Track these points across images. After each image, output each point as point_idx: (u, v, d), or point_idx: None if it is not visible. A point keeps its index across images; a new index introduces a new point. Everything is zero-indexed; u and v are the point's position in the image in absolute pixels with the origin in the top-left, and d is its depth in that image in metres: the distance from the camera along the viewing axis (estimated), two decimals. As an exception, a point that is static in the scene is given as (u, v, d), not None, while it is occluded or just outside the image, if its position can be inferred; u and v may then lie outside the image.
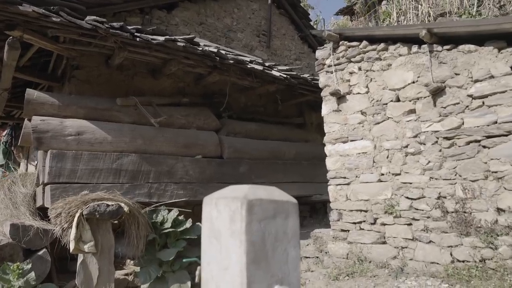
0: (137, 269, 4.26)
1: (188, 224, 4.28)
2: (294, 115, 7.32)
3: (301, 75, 5.82)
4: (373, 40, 4.09)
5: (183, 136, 4.86)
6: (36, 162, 7.04)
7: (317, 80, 6.11)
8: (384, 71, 3.90)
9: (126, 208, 3.64)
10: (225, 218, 1.24)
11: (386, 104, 3.84)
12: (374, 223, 3.79)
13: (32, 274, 3.38)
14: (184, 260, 3.63)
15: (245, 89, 6.24)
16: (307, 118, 7.57)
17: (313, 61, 8.62)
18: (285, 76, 5.28)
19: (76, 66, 4.86)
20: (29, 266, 3.44)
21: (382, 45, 3.93)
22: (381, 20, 13.32)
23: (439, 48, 3.50)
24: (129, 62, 5.14)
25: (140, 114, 4.68)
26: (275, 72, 5.21)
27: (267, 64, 5.39)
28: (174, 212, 4.27)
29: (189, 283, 4.14)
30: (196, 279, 3.66)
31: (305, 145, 6.68)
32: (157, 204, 4.24)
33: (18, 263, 3.36)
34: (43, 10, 3.73)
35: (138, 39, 4.06)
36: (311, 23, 8.96)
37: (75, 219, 3.45)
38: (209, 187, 4.95)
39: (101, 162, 4.09)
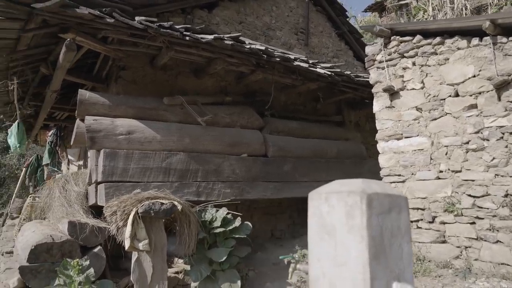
0: (187, 267, 4.27)
1: (237, 222, 4.25)
2: (332, 113, 7.21)
3: (344, 72, 5.70)
4: (426, 34, 3.95)
5: (229, 134, 4.85)
6: (67, 160, 7.24)
7: (359, 77, 6.00)
8: (441, 65, 3.75)
9: (179, 207, 3.64)
10: (340, 213, 1.18)
11: (444, 99, 3.69)
12: (432, 222, 3.65)
13: (91, 270, 3.43)
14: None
15: (285, 88, 6.18)
16: (346, 117, 7.44)
17: (351, 59, 8.49)
18: (329, 73, 5.18)
19: (123, 66, 4.93)
20: (87, 262, 3.49)
21: (438, 39, 3.78)
22: (413, 15, 12.99)
23: (504, 39, 3.33)
24: (173, 62, 5.18)
25: (186, 113, 4.70)
26: (319, 70, 5.12)
27: (311, 61, 5.31)
28: (223, 211, 4.25)
29: (239, 282, 4.11)
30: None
31: (346, 143, 6.56)
32: (205, 203, 4.23)
33: (77, 259, 3.41)
34: (98, 12, 3.79)
35: (187, 38, 4.06)
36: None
37: (130, 217, 3.48)
38: (255, 186, 4.92)
39: (151, 161, 4.11)
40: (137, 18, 4.09)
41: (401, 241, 1.26)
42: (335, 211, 1.23)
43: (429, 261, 3.56)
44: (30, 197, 5.72)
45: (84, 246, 3.78)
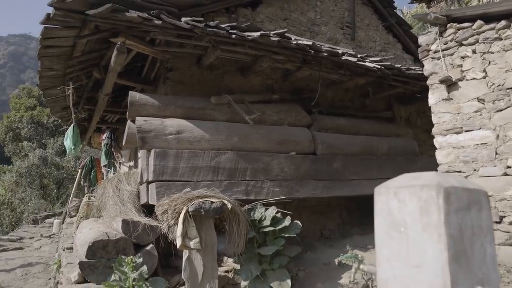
0: (237, 266, 4.26)
1: (287, 222, 4.17)
2: (382, 109, 6.94)
3: (395, 65, 5.45)
4: (488, 19, 3.66)
5: (277, 132, 4.78)
6: (122, 161, 7.48)
7: (410, 70, 5.72)
8: (507, 51, 3.46)
9: (229, 206, 3.63)
10: (413, 208, 1.07)
11: (511, 88, 3.40)
12: (500, 222, 3.38)
13: (145, 267, 3.50)
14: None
15: (332, 84, 6.02)
16: (396, 112, 7.14)
17: (399, 52, 8.14)
18: (378, 67, 4.97)
19: (170, 68, 5.02)
20: (141, 259, 3.56)
21: (503, 22, 3.49)
22: (465, 3, 12.25)
23: None
24: (219, 61, 5.20)
25: (233, 112, 4.69)
26: (368, 64, 4.93)
27: (359, 55, 5.12)
28: (272, 210, 4.19)
29: (289, 281, 4.04)
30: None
31: (397, 139, 6.28)
32: (254, 202, 4.19)
33: (131, 256, 3.49)
34: (146, 15, 3.87)
35: (233, 35, 4.04)
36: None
37: (181, 216, 3.51)
38: (304, 184, 4.82)
39: (200, 160, 4.14)
40: (183, 19, 4.13)
41: (483, 241, 1.13)
42: (407, 206, 1.12)
43: (498, 265, 3.29)
44: (86, 196, 5.97)
45: (137, 243, 3.88)
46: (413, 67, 5.85)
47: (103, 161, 7.00)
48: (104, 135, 7.24)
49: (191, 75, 5.09)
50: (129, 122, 4.33)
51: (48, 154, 19.26)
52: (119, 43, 4.01)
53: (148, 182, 4.11)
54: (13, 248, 8.82)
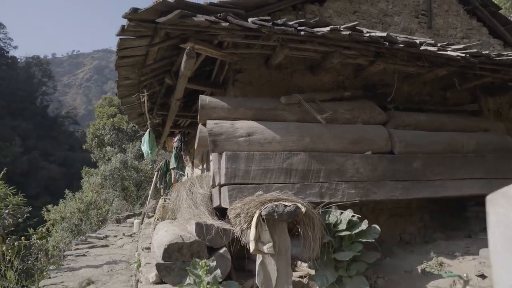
0: (312, 272, 4.10)
1: (364, 225, 3.92)
2: (465, 101, 6.31)
3: (482, 52, 4.90)
4: None
5: (351, 131, 4.54)
6: (191, 163, 7.64)
7: (501, 56, 5.10)
8: None
9: (303, 209, 3.48)
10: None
11: None
12: None
13: (218, 271, 3.48)
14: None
15: (408, 77, 5.60)
16: (483, 104, 6.46)
17: (485, 37, 7.36)
18: (462, 55, 4.50)
19: (239, 69, 5.00)
20: (214, 263, 3.54)
21: None
22: None
23: None
24: (287, 60, 5.08)
25: (304, 112, 4.53)
26: (450, 52, 4.48)
27: (439, 44, 4.68)
28: (349, 213, 3.97)
29: (367, 290, 3.80)
30: None
31: (485, 135, 5.66)
32: (328, 205, 4.00)
33: (204, 260, 3.49)
34: (213, 18, 3.87)
35: (302, 32, 3.89)
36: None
37: (254, 219, 3.43)
38: (381, 186, 4.51)
39: (272, 162, 4.04)
40: (249, 19, 4.08)
41: None
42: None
43: None
44: (161, 198, 6.19)
45: (210, 247, 3.88)
46: (505, 53, 5.23)
47: (172, 163, 7.24)
48: (176, 139, 7.48)
49: (260, 75, 5.03)
50: (200, 125, 4.37)
51: (128, 158, 20.58)
52: (188, 48, 4.07)
53: (220, 185, 4.11)
54: (100, 246, 9.44)
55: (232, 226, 3.90)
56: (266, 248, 3.44)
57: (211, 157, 7.01)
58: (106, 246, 9.47)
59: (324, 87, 5.19)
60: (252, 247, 3.44)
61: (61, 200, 18.13)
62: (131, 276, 6.54)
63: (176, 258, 3.70)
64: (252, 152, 4.01)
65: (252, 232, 3.43)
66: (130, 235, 10.83)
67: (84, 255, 8.15)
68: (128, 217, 14.69)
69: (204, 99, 4.26)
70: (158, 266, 3.65)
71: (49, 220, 16.29)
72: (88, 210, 15.94)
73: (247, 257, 4.14)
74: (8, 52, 76.52)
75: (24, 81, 72.24)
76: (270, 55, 4.86)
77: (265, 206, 3.42)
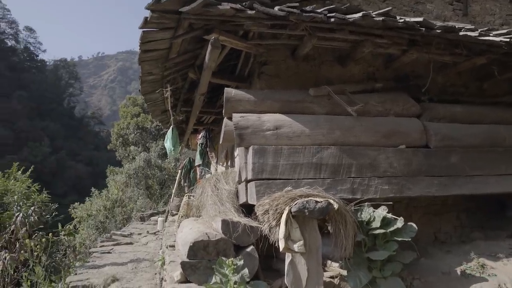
0: (343, 272, 3.89)
1: (400, 223, 3.68)
2: (505, 92, 5.92)
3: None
4: None
5: (383, 124, 4.30)
6: (216, 160, 7.48)
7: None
8: None
9: (335, 205, 3.28)
10: None
11: None
12: None
13: (246, 270, 3.32)
14: None
15: (443, 67, 5.30)
16: (523, 95, 6.05)
17: (526, 24, 6.92)
18: (507, 40, 4.17)
19: (264, 62, 4.83)
20: (241, 262, 3.38)
21: None
22: None
23: None
24: (315, 51, 4.88)
25: (333, 104, 4.32)
26: (493, 38, 4.17)
27: (479, 29, 4.37)
28: (383, 210, 3.74)
29: (403, 292, 3.56)
30: None
31: (529, 128, 5.28)
32: (361, 201, 3.77)
33: (231, 258, 3.34)
34: (239, 6, 3.71)
35: (332, 19, 3.68)
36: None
37: (283, 216, 3.25)
38: (416, 181, 4.25)
39: (301, 157, 3.85)
40: (276, 7, 3.90)
41: None
42: None
43: None
44: (186, 195, 6.09)
45: (237, 245, 3.73)
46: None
47: (198, 160, 7.10)
48: (200, 135, 7.35)
49: (286, 67, 4.84)
50: (225, 119, 4.22)
51: (151, 157, 20.76)
52: (213, 37, 3.91)
53: (247, 181, 3.95)
54: (125, 243, 9.47)
55: (260, 224, 3.74)
56: (296, 246, 3.26)
57: (235, 153, 6.86)
58: (131, 243, 9.49)
59: (353, 79, 4.96)
60: (281, 245, 3.26)
61: (87, 198, 18.43)
62: (155, 274, 6.49)
63: (202, 256, 3.56)
64: (280, 146, 3.82)
65: (282, 229, 3.25)
66: (154, 233, 10.85)
67: (109, 252, 8.17)
68: (152, 215, 14.77)
69: (230, 91, 4.11)
70: (183, 264, 3.52)
71: (76, 218, 16.59)
72: (113, 208, 16.13)
73: (274, 256, 3.97)
74: (37, 56, 79.10)
75: (52, 83, 74.46)
76: (297, 46, 4.67)
77: (295, 202, 3.24)
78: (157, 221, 11.99)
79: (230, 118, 4.15)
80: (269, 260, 4.15)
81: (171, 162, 21.23)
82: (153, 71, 5.50)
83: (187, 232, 4.04)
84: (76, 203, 18.24)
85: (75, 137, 68.50)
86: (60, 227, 11.26)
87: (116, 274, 6.16)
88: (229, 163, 7.42)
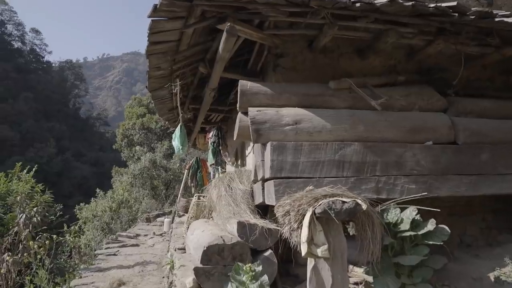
0: (368, 277, 3.61)
1: (431, 226, 3.39)
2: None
3: None
4: None
5: (408, 119, 4.01)
6: (228, 158, 7.20)
7: None
8: None
9: (363, 206, 2.99)
10: None
11: None
12: None
13: (265, 277, 3.03)
14: None
15: (467, 60, 4.97)
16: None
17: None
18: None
19: (280, 54, 4.55)
20: (260, 268, 3.10)
21: None
22: None
23: None
24: (333, 43, 4.61)
25: (355, 98, 4.04)
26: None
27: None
28: (412, 211, 3.45)
29: (437, 301, 3.27)
30: None
31: None
32: (387, 202, 3.48)
33: (249, 264, 3.06)
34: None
35: (358, 4, 3.40)
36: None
37: (307, 218, 2.97)
38: (445, 180, 3.95)
39: (323, 154, 3.56)
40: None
41: None
42: None
43: None
44: (195, 196, 5.82)
45: (254, 249, 3.45)
46: None
47: (210, 159, 6.79)
48: (211, 133, 7.05)
49: (303, 60, 4.56)
50: (239, 114, 3.94)
51: (157, 157, 20.56)
52: (229, 25, 3.64)
53: (264, 180, 3.66)
54: (131, 245, 9.28)
55: (278, 226, 3.46)
56: (320, 251, 2.97)
57: (247, 152, 6.59)
58: (137, 245, 9.28)
59: (374, 72, 4.68)
60: (304, 250, 2.97)
61: (92, 199, 18.24)
62: (163, 277, 6.26)
63: (216, 261, 3.28)
64: (300, 142, 3.54)
65: (304, 232, 2.96)
66: (161, 234, 10.62)
67: (114, 255, 7.95)
68: (158, 216, 14.53)
69: (245, 84, 3.83)
70: (196, 270, 3.24)
71: (81, 219, 16.40)
72: (118, 208, 15.92)
73: (293, 260, 3.68)
74: (43, 57, 79.47)
75: (58, 84, 74.73)
76: (315, 37, 4.40)
77: (320, 203, 2.95)
78: (163, 222, 11.75)
79: (245, 113, 3.87)
80: (287, 264, 3.86)
81: (176, 163, 21.03)
82: (161, 66, 5.24)
83: (199, 235, 3.77)
84: (81, 204, 18.04)
85: (81, 138, 68.69)
86: (66, 228, 11.07)
87: (122, 278, 5.95)
88: (239, 162, 7.13)
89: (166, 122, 10.23)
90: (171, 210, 14.76)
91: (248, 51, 5.64)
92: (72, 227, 11.44)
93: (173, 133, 7.29)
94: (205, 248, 3.19)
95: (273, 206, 3.85)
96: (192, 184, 11.09)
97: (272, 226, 3.47)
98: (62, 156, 56.34)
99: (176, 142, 6.85)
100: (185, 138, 6.89)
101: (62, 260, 8.69)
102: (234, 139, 4.02)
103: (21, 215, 6.53)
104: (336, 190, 3.23)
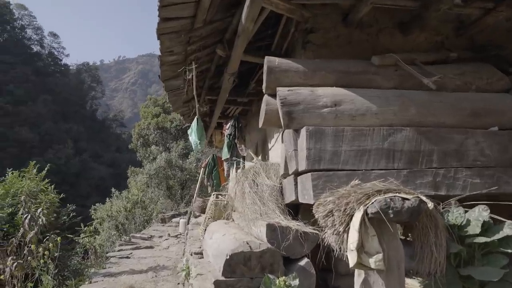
0: (426, 292, 2.95)
1: (508, 229, 2.71)
2: None
3: None
4: None
5: (468, 100, 3.33)
6: (247, 152, 6.59)
7: None
8: None
9: (429, 204, 2.35)
10: None
11: None
12: None
13: (303, 294, 2.43)
14: None
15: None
16: None
17: None
18: None
19: (310, 29, 3.93)
20: (297, 282, 2.51)
21: None
22: None
23: None
24: (370, 17, 3.97)
25: (402, 76, 3.39)
26: None
27: None
28: (481, 211, 2.78)
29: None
30: None
31: None
32: (454, 198, 2.82)
33: (283, 277, 2.46)
34: None
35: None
36: None
37: (357, 219, 2.34)
38: (515, 174, 3.26)
39: (369, 141, 2.93)
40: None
41: None
42: None
43: None
44: (213, 194, 5.24)
45: (287, 257, 2.84)
46: None
47: (225, 154, 6.17)
48: (228, 125, 6.43)
49: (337, 36, 3.93)
50: (266, 97, 3.33)
51: (172, 157, 20.18)
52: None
53: (297, 174, 3.04)
54: (145, 247, 8.88)
55: (315, 228, 2.85)
56: (373, 261, 2.34)
57: (269, 145, 5.98)
58: (151, 247, 8.82)
59: (419, 49, 4.01)
60: (352, 259, 2.35)
61: (107, 199, 17.93)
62: (178, 284, 5.75)
63: (242, 273, 2.67)
64: (341, 128, 2.91)
65: (353, 237, 2.34)
66: (176, 236, 10.15)
67: (127, 257, 7.49)
68: (174, 216, 14.08)
69: (272, 60, 3.22)
70: (217, 284, 2.64)
71: (97, 219, 16.08)
72: (133, 209, 15.53)
73: (333, 270, 3.06)
74: (61, 60, 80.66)
75: (75, 87, 75.72)
76: (350, 10, 3.78)
77: (373, 200, 2.32)
78: (178, 223, 11.28)
79: (272, 95, 3.27)
80: (324, 274, 3.23)
81: (192, 163, 20.63)
82: (174, 49, 4.68)
83: (220, 239, 3.18)
84: (96, 204, 17.73)
85: (98, 139, 69.28)
86: (82, 227, 10.71)
87: (134, 284, 5.47)
88: (259, 158, 6.51)
89: (181, 118, 9.71)
90: (187, 211, 14.27)
91: (271, 35, 5.04)
92: (86, 228, 11.08)
93: (189, 128, 6.72)
94: (228, 257, 2.59)
95: (306, 205, 3.24)
96: (208, 183, 10.54)
97: (308, 229, 2.85)
98: (79, 157, 56.87)
99: (193, 137, 6.27)
100: (202, 131, 6.31)
101: (76, 261, 8.27)
102: (260, 126, 3.41)
103: (26, 215, 6.07)
104: (389, 185, 2.60)
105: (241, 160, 5.93)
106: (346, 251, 2.44)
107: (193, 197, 12.80)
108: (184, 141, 23.76)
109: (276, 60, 3.22)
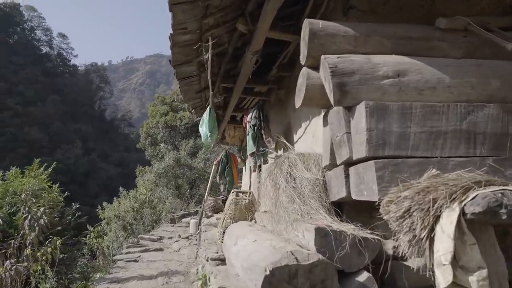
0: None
1: None
2: None
3: None
4: None
5: None
6: (274, 144, 5.93)
7: None
8: None
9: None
10: None
11: None
12: None
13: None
14: None
15: None
16: None
17: None
18: None
19: (353, -7, 3.29)
20: (359, 306, 1.86)
21: None
22: None
23: None
24: (425, -22, 3.31)
25: (472, 44, 2.73)
26: None
27: None
28: None
29: None
30: None
31: None
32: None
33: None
34: None
35: None
36: None
37: (449, 221, 1.70)
38: None
39: (443, 120, 2.26)
40: None
41: None
42: None
43: None
44: (232, 192, 4.60)
45: (342, 270, 2.19)
46: None
47: (250, 147, 5.49)
48: (249, 116, 5.77)
49: (385, 0, 3.28)
50: (305, 70, 2.68)
51: (181, 156, 19.70)
52: None
53: (350, 163, 2.38)
54: (154, 249, 8.33)
55: (374, 233, 2.20)
56: (475, 280, 1.68)
57: (295, 137, 5.33)
58: (161, 250, 8.24)
59: (482, 15, 3.34)
60: (445, 278, 1.70)
61: (115, 198, 17.43)
62: (192, 292, 5.16)
63: (285, 291, 2.04)
64: (409, 103, 2.25)
65: (446, 247, 1.69)
66: (187, 237, 9.56)
67: (135, 261, 6.92)
68: (183, 216, 13.49)
69: (316, 23, 2.57)
70: (255, 307, 2.01)
71: (104, 219, 15.59)
72: (141, 208, 15.00)
73: (394, 284, 2.41)
74: (70, 61, 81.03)
75: (84, 87, 75.98)
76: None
77: (474, 195, 1.68)
78: (189, 223, 10.67)
79: (313, 68, 2.63)
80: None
81: (200, 162, 20.12)
82: (188, 25, 4.07)
83: (250, 246, 2.54)
84: (104, 203, 17.22)
85: (106, 139, 69.33)
86: (88, 228, 10.21)
87: (143, 292, 4.89)
88: (281, 152, 5.85)
89: (190, 115, 9.07)
90: (197, 210, 13.68)
91: (301, 10, 4.39)
92: (93, 228, 10.58)
93: (200, 120, 6.08)
94: (268, 273, 1.94)
95: (353, 204, 2.60)
96: (221, 181, 9.93)
97: (366, 234, 2.20)
98: (88, 157, 56.82)
99: (203, 128, 5.63)
100: (214, 123, 5.66)
101: (81, 263, 7.76)
102: (297, 106, 2.76)
103: (27, 216, 5.52)
104: (478, 176, 1.94)
105: (269, 151, 5.25)
106: (432, 265, 1.80)
107: (202, 196, 12.20)
108: (193, 139, 23.27)
109: (320, 23, 2.57)
